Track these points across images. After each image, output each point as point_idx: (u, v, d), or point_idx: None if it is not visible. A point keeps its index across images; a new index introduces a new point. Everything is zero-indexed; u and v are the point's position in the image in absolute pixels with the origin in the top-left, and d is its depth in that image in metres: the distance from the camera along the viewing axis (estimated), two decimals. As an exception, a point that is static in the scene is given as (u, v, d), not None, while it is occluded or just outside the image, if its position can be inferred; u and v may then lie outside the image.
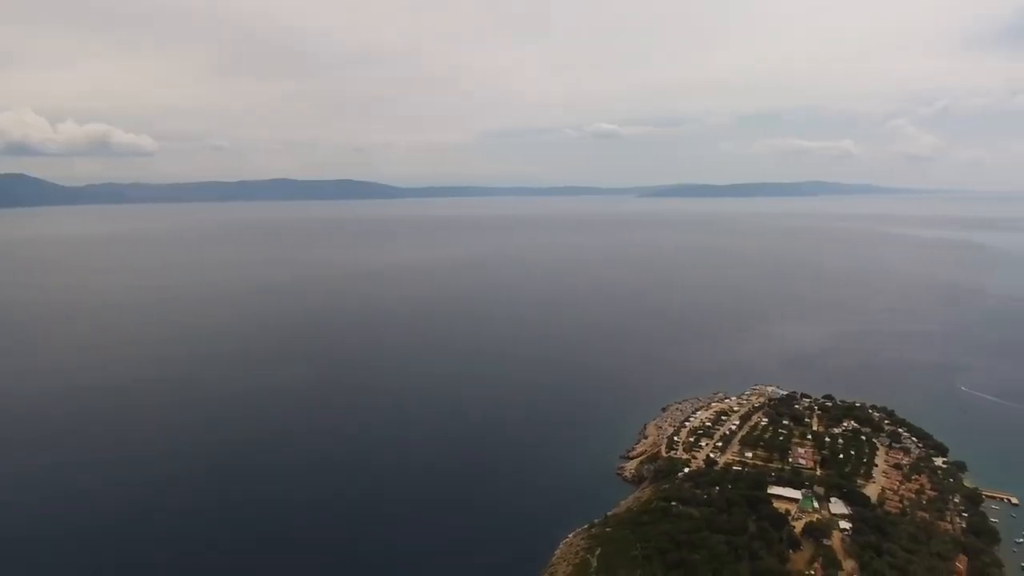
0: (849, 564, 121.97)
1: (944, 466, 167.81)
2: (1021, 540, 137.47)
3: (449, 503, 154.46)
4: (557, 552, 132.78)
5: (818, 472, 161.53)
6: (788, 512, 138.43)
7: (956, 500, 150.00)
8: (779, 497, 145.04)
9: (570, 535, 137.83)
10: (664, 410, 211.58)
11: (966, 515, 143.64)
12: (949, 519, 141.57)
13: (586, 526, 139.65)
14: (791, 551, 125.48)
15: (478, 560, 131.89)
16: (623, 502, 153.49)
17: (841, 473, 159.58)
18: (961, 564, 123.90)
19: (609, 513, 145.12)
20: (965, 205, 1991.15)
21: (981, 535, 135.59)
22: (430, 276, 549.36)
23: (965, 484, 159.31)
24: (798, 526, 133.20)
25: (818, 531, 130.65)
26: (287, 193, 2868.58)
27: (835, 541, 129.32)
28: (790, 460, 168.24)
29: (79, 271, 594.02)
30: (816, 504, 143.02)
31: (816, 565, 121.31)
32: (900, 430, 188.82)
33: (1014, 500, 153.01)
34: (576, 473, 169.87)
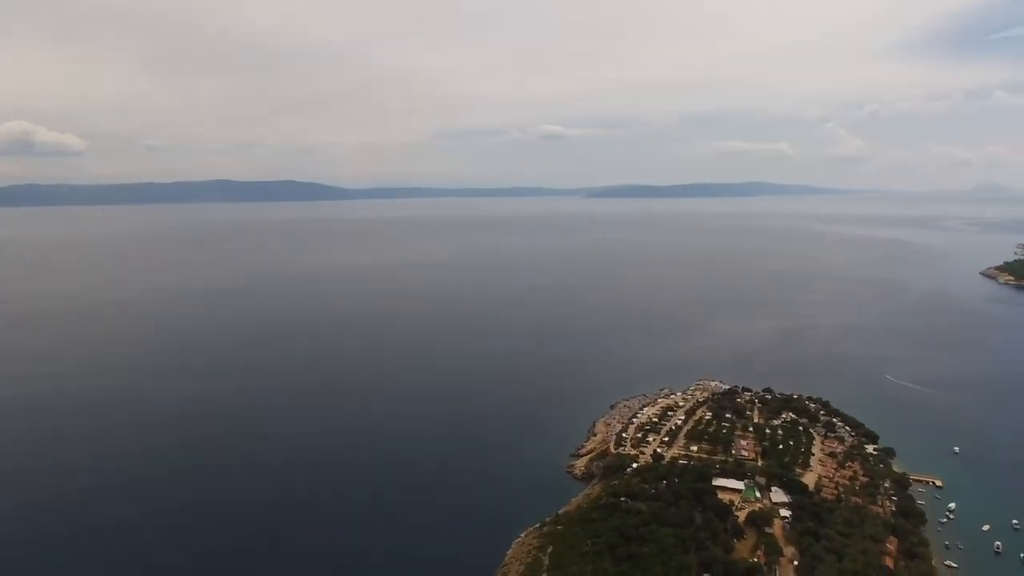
0: (789, 550, 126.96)
1: (875, 453, 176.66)
2: (944, 520, 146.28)
3: (402, 505, 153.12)
4: (510, 552, 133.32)
5: (759, 463, 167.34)
6: (732, 503, 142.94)
7: (886, 485, 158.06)
8: (723, 488, 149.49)
9: (522, 534, 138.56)
10: (612, 407, 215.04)
11: (895, 499, 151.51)
12: (880, 503, 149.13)
13: (538, 525, 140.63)
14: (735, 540, 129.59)
15: (432, 561, 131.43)
16: (574, 500, 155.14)
17: (781, 463, 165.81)
18: (892, 545, 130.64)
19: (560, 511, 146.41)
20: (891, 205, 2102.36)
21: (909, 517, 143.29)
22: (379, 278, 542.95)
23: (894, 469, 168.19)
24: (742, 516, 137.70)
25: (760, 520, 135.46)
26: (228, 194, 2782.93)
27: (776, 529, 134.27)
28: (733, 452, 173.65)
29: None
30: (758, 494, 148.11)
31: (759, 552, 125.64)
32: (834, 420, 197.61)
33: (938, 483, 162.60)
34: (528, 472, 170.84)
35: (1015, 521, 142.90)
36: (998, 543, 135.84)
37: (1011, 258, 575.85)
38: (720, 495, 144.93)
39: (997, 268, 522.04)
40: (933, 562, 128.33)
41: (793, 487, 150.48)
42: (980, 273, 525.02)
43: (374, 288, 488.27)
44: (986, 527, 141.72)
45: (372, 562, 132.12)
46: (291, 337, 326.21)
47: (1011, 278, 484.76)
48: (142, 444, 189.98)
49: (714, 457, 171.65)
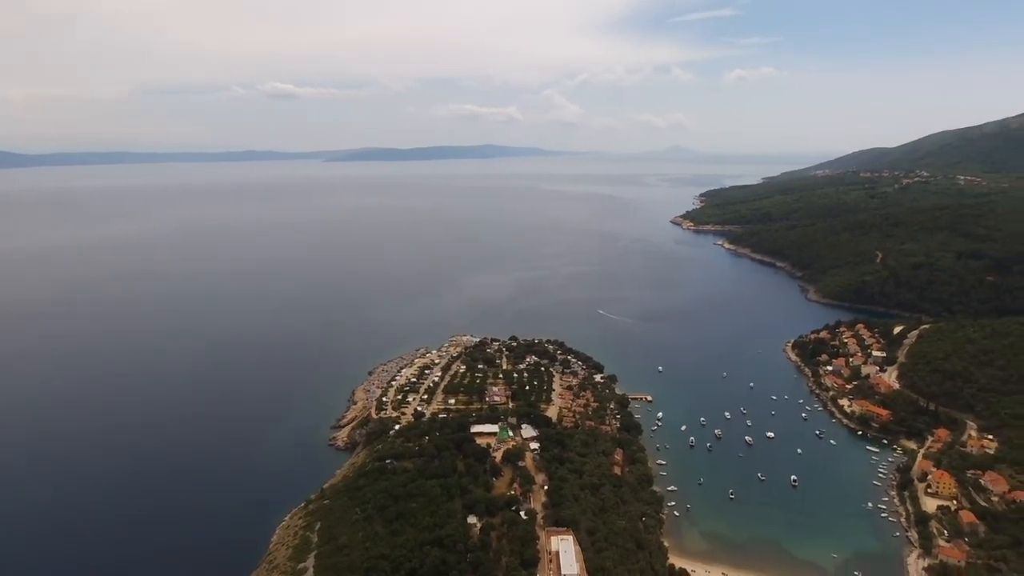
0: (540, 477, 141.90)
1: (602, 381, 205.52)
2: (655, 428, 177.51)
3: (149, 511, 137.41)
4: (274, 537, 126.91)
5: (510, 405, 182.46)
6: (489, 445, 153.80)
7: (612, 407, 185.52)
8: (481, 434, 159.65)
9: (287, 517, 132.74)
10: (371, 374, 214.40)
11: (619, 417, 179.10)
12: (608, 423, 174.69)
13: (303, 504, 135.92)
14: (494, 479, 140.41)
15: (188, 564, 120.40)
16: (339, 471, 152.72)
17: (528, 402, 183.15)
18: (619, 456, 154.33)
19: (326, 485, 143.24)
20: (604, 165, 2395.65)
21: (630, 430, 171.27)
22: (81, 259, 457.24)
23: (617, 392, 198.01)
24: (498, 455, 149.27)
25: (514, 456, 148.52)
26: None
27: (528, 461, 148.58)
28: (487, 399, 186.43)
29: None
30: (511, 433, 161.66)
31: (515, 485, 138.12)
32: (569, 357, 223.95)
33: (649, 398, 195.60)
34: (288, 452, 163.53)
35: (702, 419, 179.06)
36: (692, 439, 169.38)
37: (691, 208, 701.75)
38: (478, 440, 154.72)
39: (682, 217, 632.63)
40: (649, 464, 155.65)
41: (539, 422, 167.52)
42: (670, 221, 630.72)
43: (80, 270, 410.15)
44: (683, 427, 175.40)
45: (126, 568, 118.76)
46: None
47: (691, 224, 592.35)
48: None
49: (471, 407, 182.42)
